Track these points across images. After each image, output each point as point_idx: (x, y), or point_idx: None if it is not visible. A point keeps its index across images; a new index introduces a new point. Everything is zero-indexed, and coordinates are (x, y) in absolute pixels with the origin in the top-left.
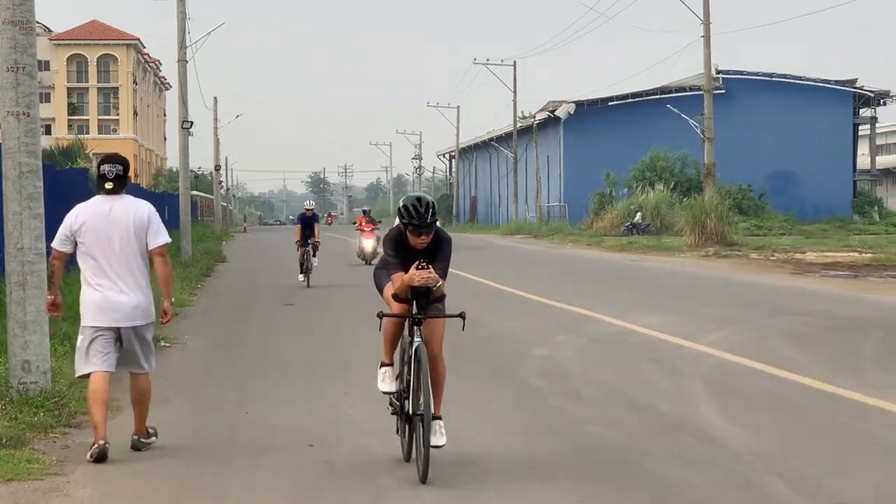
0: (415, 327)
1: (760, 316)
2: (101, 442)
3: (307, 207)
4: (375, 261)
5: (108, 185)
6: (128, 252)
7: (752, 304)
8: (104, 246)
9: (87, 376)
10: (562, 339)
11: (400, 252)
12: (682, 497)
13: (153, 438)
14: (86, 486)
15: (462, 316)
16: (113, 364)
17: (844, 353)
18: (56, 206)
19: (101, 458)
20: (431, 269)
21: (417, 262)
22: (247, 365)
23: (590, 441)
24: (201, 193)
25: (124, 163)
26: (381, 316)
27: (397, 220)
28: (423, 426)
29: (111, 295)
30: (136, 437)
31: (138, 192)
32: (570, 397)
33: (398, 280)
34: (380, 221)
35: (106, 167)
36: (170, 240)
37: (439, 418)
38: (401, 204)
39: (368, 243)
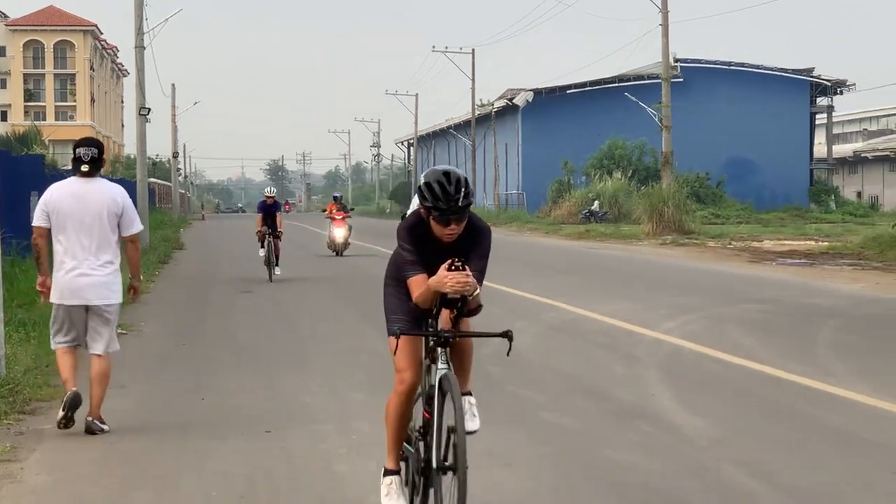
0: (439, 349)
1: (717, 304)
2: (74, 389)
3: (268, 195)
4: (348, 252)
5: (84, 168)
6: (99, 234)
7: (709, 291)
8: (76, 226)
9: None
10: (519, 325)
11: (420, 247)
12: (638, 483)
13: (106, 426)
14: (40, 472)
15: (508, 336)
16: (80, 340)
17: (799, 341)
18: (13, 192)
19: (74, 403)
20: (468, 271)
21: (450, 262)
22: (203, 352)
23: (547, 428)
24: (159, 181)
25: (100, 146)
26: (397, 334)
27: (415, 203)
28: (457, 482)
29: (82, 273)
30: (90, 418)
31: None
32: (528, 384)
33: (419, 285)
34: (352, 209)
35: (82, 150)
36: (142, 228)
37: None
38: (422, 181)
39: (340, 232)
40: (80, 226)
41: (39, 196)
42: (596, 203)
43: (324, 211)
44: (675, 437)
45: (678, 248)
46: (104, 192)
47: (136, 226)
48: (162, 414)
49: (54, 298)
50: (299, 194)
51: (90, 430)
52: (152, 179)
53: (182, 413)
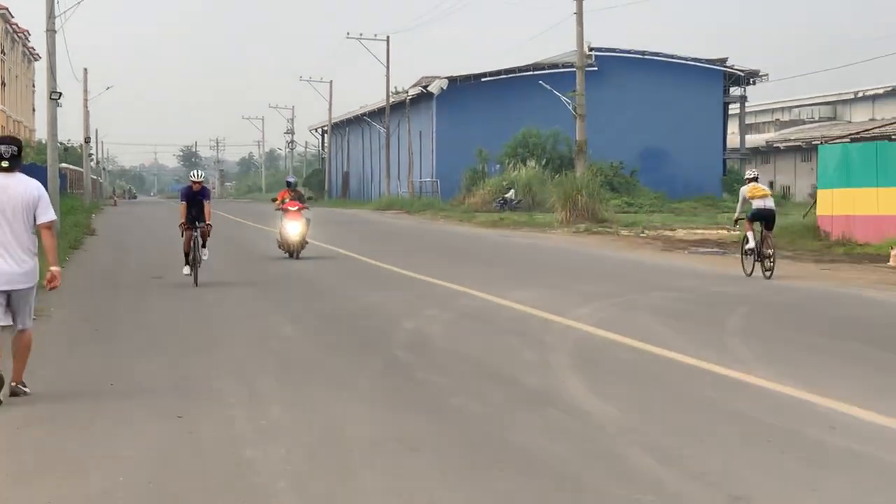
0: None
1: (629, 291)
2: (13, 384)
3: (194, 180)
4: (305, 252)
5: (5, 164)
6: (18, 224)
7: (621, 279)
8: (2, 218)
9: None
10: (431, 312)
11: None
12: (546, 468)
13: (28, 389)
14: None
15: None
16: (5, 320)
17: (710, 328)
18: None
19: (16, 394)
20: None
21: None
22: (113, 338)
23: (456, 413)
24: (71, 166)
25: (19, 144)
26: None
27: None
28: None
29: (5, 262)
30: (14, 384)
31: None
32: (437, 370)
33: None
34: (310, 198)
35: (2, 148)
36: (55, 217)
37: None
38: None
39: (295, 228)
40: (3, 217)
41: None
42: (511, 191)
43: (274, 200)
44: (585, 423)
45: (591, 236)
46: (23, 186)
47: (49, 214)
48: (70, 399)
49: None
50: (213, 181)
51: (15, 394)
52: (64, 165)
53: (90, 398)
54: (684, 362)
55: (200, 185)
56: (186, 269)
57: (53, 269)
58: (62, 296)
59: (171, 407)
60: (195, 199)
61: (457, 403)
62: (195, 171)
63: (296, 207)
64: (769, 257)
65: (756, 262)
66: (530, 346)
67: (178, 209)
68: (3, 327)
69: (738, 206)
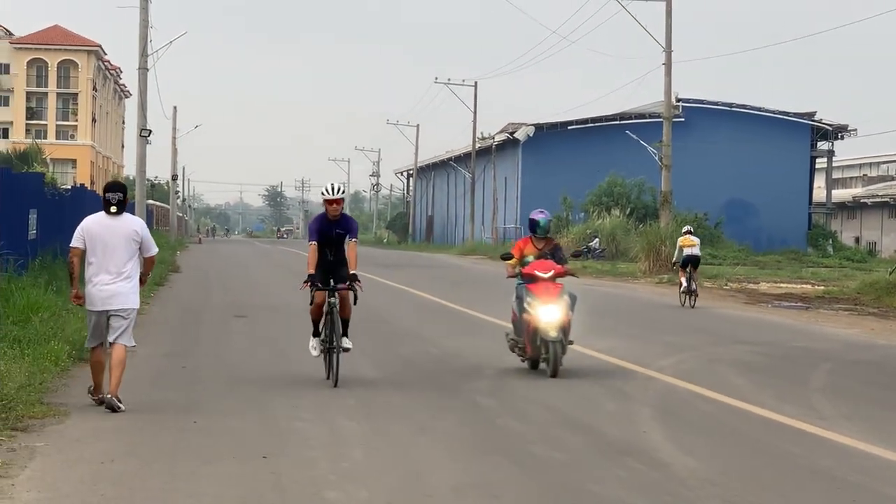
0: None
1: (711, 343)
2: (108, 396)
3: (331, 197)
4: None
5: (113, 209)
6: (124, 256)
7: (703, 331)
8: (107, 250)
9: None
10: (512, 359)
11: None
12: None
13: (123, 406)
14: (30, 489)
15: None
16: (106, 340)
17: (792, 383)
18: (12, 210)
19: (101, 403)
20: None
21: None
22: (197, 375)
23: (536, 462)
24: (157, 203)
25: (124, 190)
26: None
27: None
28: None
29: (110, 287)
30: (110, 396)
31: (95, 199)
32: (518, 417)
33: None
34: (587, 249)
35: (110, 195)
36: (157, 250)
37: None
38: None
39: (552, 315)
40: (110, 249)
41: (38, 214)
42: (595, 240)
43: (505, 258)
44: (665, 475)
45: (674, 287)
46: (128, 225)
47: (153, 249)
48: (154, 434)
49: (88, 305)
50: (296, 221)
51: (111, 407)
52: (150, 201)
53: (174, 434)
54: (766, 417)
55: (339, 210)
56: (315, 348)
57: (144, 277)
58: (147, 332)
59: (254, 446)
60: (331, 234)
61: (537, 451)
62: (330, 186)
63: (549, 273)
64: (694, 291)
65: (685, 296)
66: (612, 395)
67: (307, 254)
68: (101, 347)
69: (676, 253)
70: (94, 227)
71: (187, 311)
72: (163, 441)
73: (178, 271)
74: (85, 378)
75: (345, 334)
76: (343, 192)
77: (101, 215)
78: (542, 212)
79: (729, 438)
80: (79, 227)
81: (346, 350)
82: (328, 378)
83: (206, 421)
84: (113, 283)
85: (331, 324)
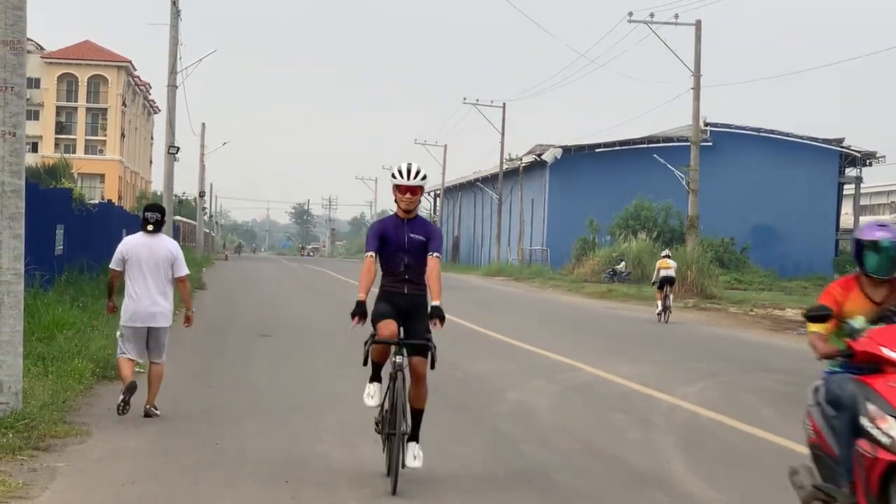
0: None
1: (736, 371)
2: (132, 380)
3: (404, 182)
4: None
5: (150, 228)
6: (160, 275)
7: (729, 358)
8: (144, 269)
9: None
10: (536, 384)
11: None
12: None
13: (159, 412)
14: None
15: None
16: (142, 354)
17: None
18: (39, 224)
19: (131, 388)
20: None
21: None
22: (220, 395)
23: (558, 490)
24: (184, 219)
25: (162, 211)
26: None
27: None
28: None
29: (146, 304)
30: (148, 406)
31: (122, 215)
32: (541, 444)
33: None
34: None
35: (149, 214)
36: (189, 271)
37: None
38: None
39: None
40: (147, 268)
41: (65, 229)
42: (622, 263)
43: (819, 322)
44: None
45: (700, 312)
46: (165, 245)
47: (184, 269)
48: (176, 456)
49: (125, 321)
50: (323, 239)
51: (148, 415)
52: (178, 217)
53: (196, 456)
54: (791, 448)
55: (416, 203)
56: (372, 396)
57: (189, 312)
58: (172, 350)
59: (276, 470)
60: (401, 242)
61: (560, 480)
62: (406, 166)
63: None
64: (668, 308)
65: (661, 313)
66: (636, 424)
67: (364, 263)
68: (133, 360)
69: (654, 274)
70: (133, 247)
71: (213, 329)
72: (184, 462)
73: (205, 288)
74: (108, 396)
75: (413, 437)
76: (423, 176)
77: (139, 235)
78: (884, 227)
79: (754, 471)
80: (118, 248)
81: (413, 464)
82: (388, 474)
83: (228, 442)
84: (151, 301)
85: (393, 397)
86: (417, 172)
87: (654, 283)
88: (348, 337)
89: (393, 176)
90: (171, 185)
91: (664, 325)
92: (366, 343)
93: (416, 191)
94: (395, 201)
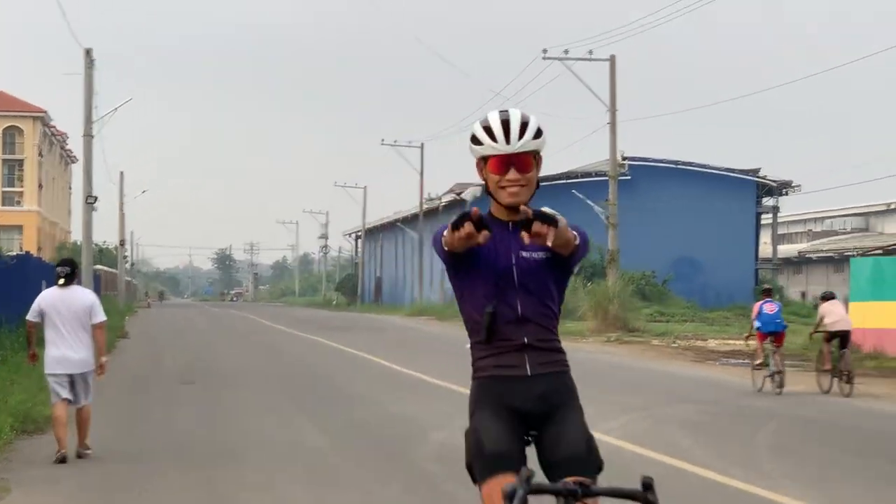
0: None
1: (659, 403)
2: (78, 448)
3: (505, 149)
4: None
5: (61, 282)
6: (78, 324)
7: (651, 391)
8: (63, 320)
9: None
10: (460, 423)
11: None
12: None
13: (90, 451)
14: None
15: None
16: (68, 396)
17: (740, 444)
18: None
19: (63, 461)
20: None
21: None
22: (144, 443)
23: None
24: (105, 268)
25: (73, 265)
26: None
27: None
28: None
29: (66, 352)
30: (80, 448)
31: (41, 267)
32: (464, 482)
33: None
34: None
35: (60, 269)
36: (105, 318)
37: None
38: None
39: None
40: (65, 319)
41: None
42: None
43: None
44: None
45: (622, 345)
46: (79, 296)
47: (100, 316)
48: None
49: (49, 370)
50: (246, 284)
51: (80, 455)
52: (98, 267)
53: None
54: (713, 479)
55: (529, 193)
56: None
57: (103, 359)
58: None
59: None
60: (507, 258)
61: None
62: (496, 119)
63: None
64: None
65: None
66: None
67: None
68: (67, 399)
69: None
70: (49, 301)
71: (136, 377)
72: None
73: (127, 337)
74: (28, 450)
75: None
76: (537, 132)
77: (54, 289)
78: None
79: (677, 502)
80: (36, 301)
81: None
82: None
83: (151, 495)
84: (72, 350)
85: None
86: (524, 126)
87: None
88: (271, 381)
89: (476, 142)
90: (90, 235)
91: (589, 360)
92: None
93: (527, 162)
94: (487, 189)
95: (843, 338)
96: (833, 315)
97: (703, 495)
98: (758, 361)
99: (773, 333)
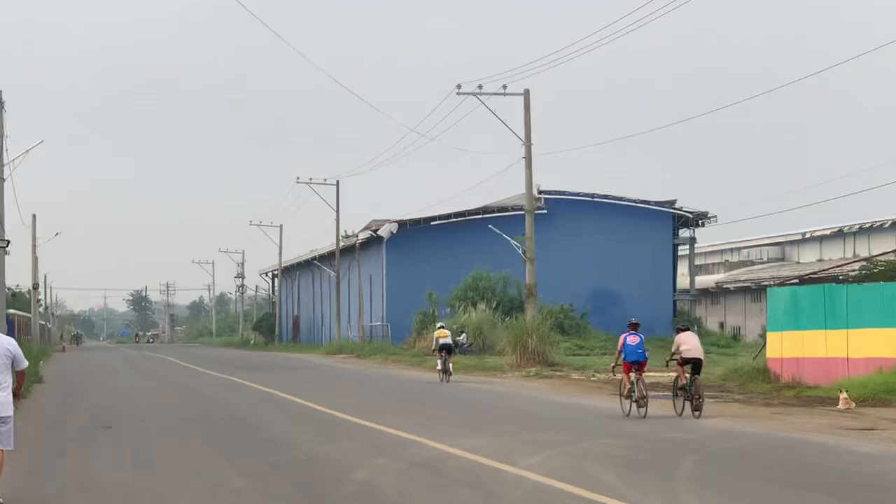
0: None
1: (579, 439)
2: None
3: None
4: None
5: None
6: (1, 368)
7: (572, 426)
8: None
9: None
10: (380, 462)
11: None
12: None
13: (2, 500)
14: None
15: None
16: None
17: (661, 477)
18: None
19: None
20: None
21: None
22: (57, 490)
23: None
24: (19, 312)
25: None
26: None
27: None
28: None
29: None
30: None
31: None
32: None
33: None
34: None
35: None
36: (27, 364)
37: None
38: None
39: None
40: None
41: None
42: (463, 335)
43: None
44: None
45: (542, 380)
46: (1, 344)
47: (23, 363)
48: None
49: None
50: (163, 325)
51: None
52: (11, 311)
53: None
54: None
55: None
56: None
57: (17, 391)
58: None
59: None
60: None
61: None
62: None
63: None
64: (449, 371)
65: (442, 374)
66: (482, 497)
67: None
68: None
69: (434, 343)
70: None
71: (51, 422)
72: None
73: (42, 382)
74: None
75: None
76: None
77: None
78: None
79: None
80: None
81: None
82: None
83: None
84: None
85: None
86: None
87: (433, 351)
88: (189, 423)
89: None
90: (3, 280)
91: (506, 397)
92: None
93: None
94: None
95: (695, 364)
96: (687, 344)
97: None
98: (626, 388)
99: (636, 363)
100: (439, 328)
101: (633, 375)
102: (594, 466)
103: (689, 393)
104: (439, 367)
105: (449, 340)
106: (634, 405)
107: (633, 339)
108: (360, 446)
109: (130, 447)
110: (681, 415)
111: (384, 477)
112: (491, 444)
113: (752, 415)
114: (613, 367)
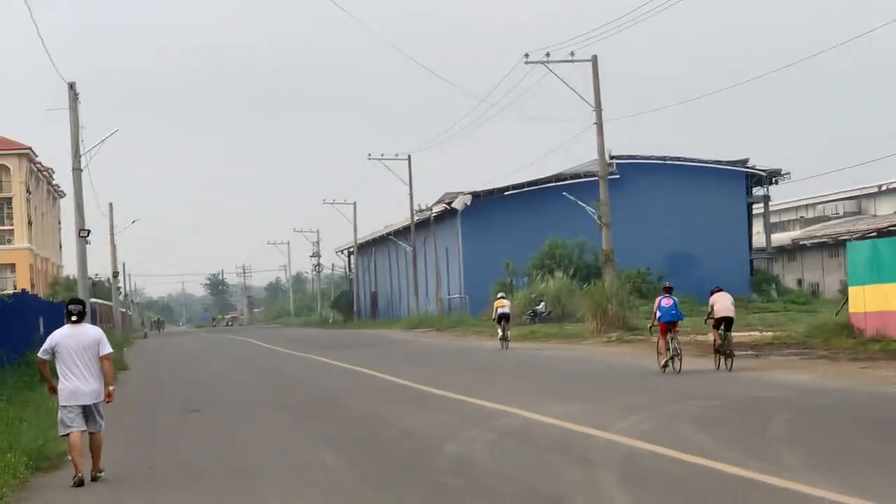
0: None
1: (667, 401)
2: (80, 475)
3: None
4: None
5: (74, 319)
6: (89, 358)
7: (658, 389)
8: (74, 356)
9: (66, 436)
10: (471, 433)
11: None
12: None
13: (104, 473)
14: None
15: None
16: (83, 426)
17: (752, 436)
18: None
19: (80, 484)
20: None
21: None
22: (154, 468)
23: None
24: (100, 301)
25: (83, 304)
26: None
27: None
28: None
29: (79, 385)
30: (94, 472)
31: (37, 304)
32: (484, 494)
33: None
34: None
35: (72, 307)
36: (112, 350)
37: None
38: None
39: None
40: (76, 355)
41: None
42: (541, 304)
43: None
44: None
45: (623, 345)
46: (89, 332)
47: (108, 349)
48: None
49: (64, 401)
50: (241, 308)
51: (95, 479)
52: (93, 300)
53: None
54: (731, 472)
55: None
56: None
57: (110, 388)
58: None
59: None
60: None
61: None
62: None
63: None
64: (507, 339)
65: (502, 342)
66: (575, 463)
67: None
68: (82, 431)
69: (494, 312)
70: (61, 339)
71: (141, 406)
72: None
73: (127, 369)
74: (43, 489)
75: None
76: None
77: (66, 327)
78: None
79: (697, 500)
80: (48, 340)
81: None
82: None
83: None
84: (84, 382)
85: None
86: None
87: (494, 320)
88: (277, 403)
89: None
90: (85, 269)
91: (587, 362)
92: None
93: None
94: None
95: (727, 323)
96: (719, 304)
97: (727, 491)
98: (663, 346)
99: (671, 322)
100: (498, 298)
101: (669, 335)
102: (685, 428)
103: (724, 349)
104: (500, 335)
105: (507, 310)
106: (670, 362)
107: (667, 302)
108: (448, 418)
109: (220, 428)
110: (718, 369)
111: (477, 448)
112: (579, 411)
113: (840, 371)
114: (651, 327)
